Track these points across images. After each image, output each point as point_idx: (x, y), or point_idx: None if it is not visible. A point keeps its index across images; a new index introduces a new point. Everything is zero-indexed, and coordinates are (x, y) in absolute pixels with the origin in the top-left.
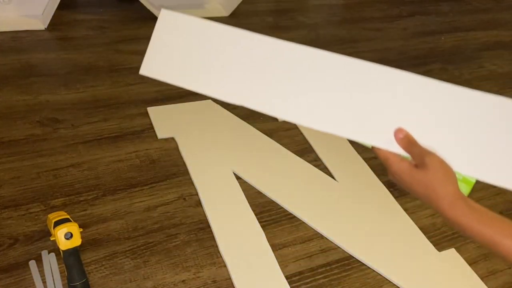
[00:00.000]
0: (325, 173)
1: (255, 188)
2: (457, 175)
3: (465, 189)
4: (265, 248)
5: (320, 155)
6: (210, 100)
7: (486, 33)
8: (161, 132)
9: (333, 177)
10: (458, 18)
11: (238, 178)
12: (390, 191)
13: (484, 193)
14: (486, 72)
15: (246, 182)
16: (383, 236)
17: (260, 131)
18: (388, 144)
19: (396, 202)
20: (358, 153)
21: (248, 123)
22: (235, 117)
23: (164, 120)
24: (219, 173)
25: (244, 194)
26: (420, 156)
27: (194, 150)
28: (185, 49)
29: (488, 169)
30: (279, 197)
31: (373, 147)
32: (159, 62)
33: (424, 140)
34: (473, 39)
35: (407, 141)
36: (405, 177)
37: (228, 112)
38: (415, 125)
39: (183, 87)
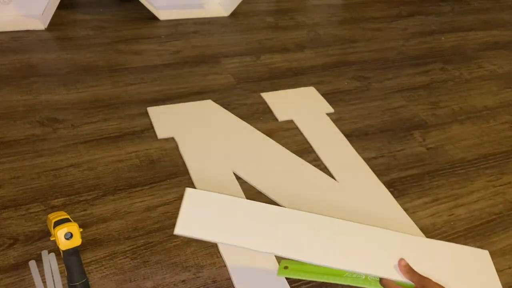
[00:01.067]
0: (325, 173)
1: (255, 188)
2: None
3: None
4: None
5: (320, 155)
6: (210, 100)
7: (486, 33)
8: (161, 132)
9: (333, 177)
10: (458, 18)
11: (238, 178)
12: (390, 191)
13: (483, 193)
14: (486, 72)
15: (246, 182)
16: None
17: (260, 131)
18: (393, 274)
19: (396, 202)
20: (358, 153)
21: (248, 123)
22: (235, 117)
23: (164, 120)
24: (219, 173)
25: (244, 194)
26: (419, 280)
27: (194, 150)
28: (209, 216)
29: None
30: (279, 197)
31: (381, 280)
32: (191, 224)
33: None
34: (473, 39)
35: (408, 269)
36: None
37: (228, 112)
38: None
39: (213, 242)
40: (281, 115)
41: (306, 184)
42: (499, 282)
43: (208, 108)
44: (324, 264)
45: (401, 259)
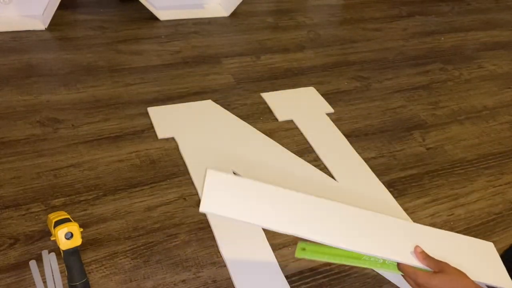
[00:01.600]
0: (325, 173)
1: None
2: None
3: None
4: (265, 248)
5: (320, 155)
6: (210, 100)
7: (486, 33)
8: (161, 132)
9: (333, 177)
10: (458, 18)
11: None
12: (390, 191)
13: (483, 193)
14: (486, 72)
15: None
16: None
17: (260, 131)
18: (410, 260)
19: (396, 202)
20: (358, 153)
21: (248, 123)
22: (235, 117)
23: (164, 120)
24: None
25: None
26: (436, 264)
27: (194, 150)
28: (231, 195)
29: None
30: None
31: (398, 265)
32: (214, 203)
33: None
34: (473, 39)
35: (425, 255)
36: (432, 281)
37: (228, 112)
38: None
39: (236, 219)
40: (281, 115)
41: (306, 184)
42: (506, 272)
43: (208, 108)
44: (344, 246)
45: (417, 246)
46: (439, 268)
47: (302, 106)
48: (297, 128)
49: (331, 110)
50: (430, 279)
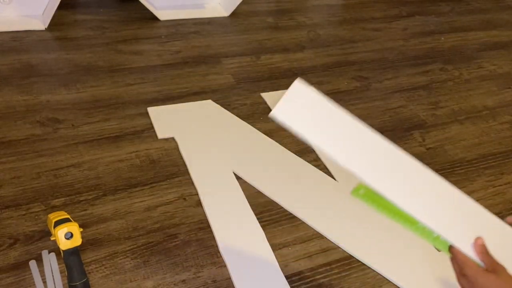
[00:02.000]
0: (325, 173)
1: (255, 188)
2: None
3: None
4: (265, 248)
5: (320, 155)
6: (210, 100)
7: (486, 33)
8: (161, 132)
9: (333, 177)
10: (458, 18)
11: (238, 178)
12: None
13: (483, 193)
14: (486, 72)
15: (246, 182)
16: (383, 236)
17: (260, 131)
18: (466, 248)
19: None
20: None
21: (248, 123)
22: (235, 117)
23: (164, 120)
24: (219, 173)
25: (244, 194)
26: (492, 264)
27: (194, 150)
28: (309, 112)
29: None
30: (279, 197)
31: (451, 248)
32: (289, 112)
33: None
34: (473, 39)
35: (484, 249)
36: (480, 278)
37: (228, 112)
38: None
39: (303, 137)
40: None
41: (306, 184)
42: None
43: (208, 108)
44: (406, 207)
45: (479, 238)
46: (493, 268)
47: None
48: None
49: None
50: (478, 275)
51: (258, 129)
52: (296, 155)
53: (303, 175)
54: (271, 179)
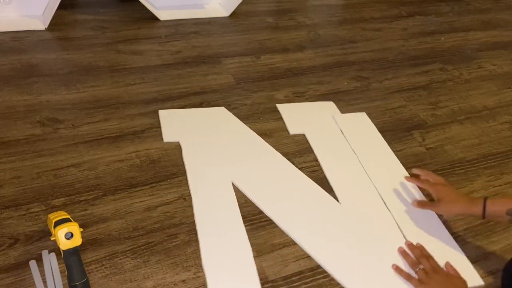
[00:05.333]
0: (321, 178)
1: (251, 201)
2: None
3: None
4: (247, 255)
5: (320, 156)
6: (223, 108)
7: (486, 33)
8: (168, 136)
9: (330, 182)
10: (458, 18)
11: (236, 190)
12: None
13: (483, 193)
14: (486, 72)
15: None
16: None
17: (260, 131)
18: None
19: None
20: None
21: (248, 123)
22: (246, 127)
23: (172, 124)
24: (217, 183)
25: (238, 204)
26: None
27: (196, 157)
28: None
29: None
30: (277, 217)
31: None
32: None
33: None
34: (472, 39)
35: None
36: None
37: (239, 121)
38: None
39: None
40: (294, 129)
41: (303, 196)
42: None
43: (220, 116)
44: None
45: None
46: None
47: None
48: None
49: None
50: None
51: (258, 129)
52: (296, 155)
53: (301, 184)
54: (270, 194)
